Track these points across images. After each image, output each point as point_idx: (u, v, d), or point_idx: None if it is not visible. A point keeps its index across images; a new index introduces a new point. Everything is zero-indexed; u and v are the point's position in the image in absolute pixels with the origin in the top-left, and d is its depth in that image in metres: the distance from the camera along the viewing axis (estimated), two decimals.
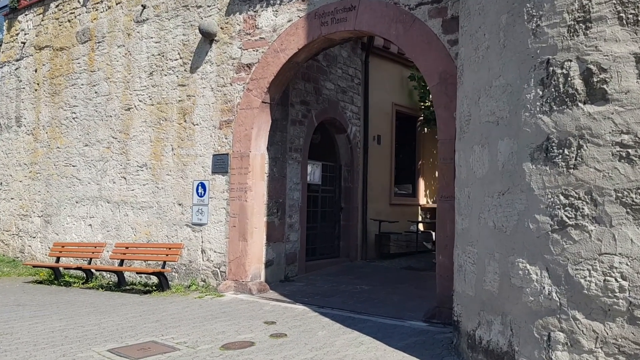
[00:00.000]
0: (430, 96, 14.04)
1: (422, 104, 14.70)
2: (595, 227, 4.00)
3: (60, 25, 12.67)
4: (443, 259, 7.11)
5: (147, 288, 10.04)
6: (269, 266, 9.77)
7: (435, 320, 7.08)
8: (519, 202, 4.56)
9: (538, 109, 4.42)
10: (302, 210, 10.70)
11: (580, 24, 4.17)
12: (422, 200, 14.95)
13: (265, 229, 9.66)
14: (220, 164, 9.67)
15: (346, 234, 12.31)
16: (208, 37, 9.89)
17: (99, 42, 11.77)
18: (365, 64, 12.84)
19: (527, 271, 4.44)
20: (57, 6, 12.80)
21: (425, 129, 14.90)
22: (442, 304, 7.08)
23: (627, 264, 3.84)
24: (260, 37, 9.29)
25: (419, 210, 14.89)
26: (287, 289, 9.49)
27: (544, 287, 4.29)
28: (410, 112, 14.62)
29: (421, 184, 14.95)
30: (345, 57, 12.19)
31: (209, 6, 10.03)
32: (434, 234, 14.33)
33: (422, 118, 14.88)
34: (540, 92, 4.41)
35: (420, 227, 14.35)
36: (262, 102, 9.24)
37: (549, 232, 4.27)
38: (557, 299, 4.19)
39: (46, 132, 12.68)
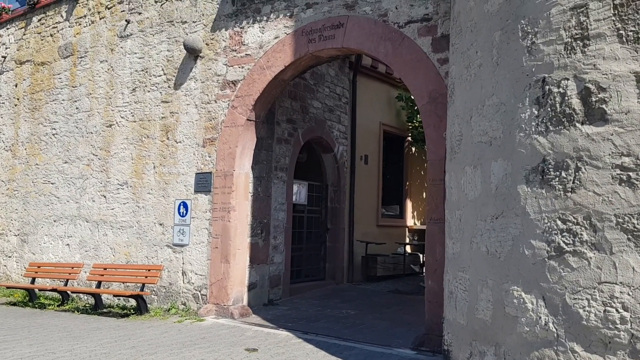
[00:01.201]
0: (419, 116, 13.97)
1: (409, 124, 14.56)
2: (594, 254, 3.79)
3: (42, 40, 12.40)
4: (432, 284, 6.86)
5: (125, 311, 9.65)
6: (252, 289, 9.45)
7: (424, 348, 6.80)
8: (513, 227, 4.34)
9: (533, 129, 4.23)
10: (287, 231, 10.42)
11: (578, 42, 4.00)
12: (410, 221, 14.73)
13: (249, 250, 9.36)
14: (203, 182, 9.40)
15: (332, 256, 12.04)
16: (193, 53, 9.68)
17: (81, 57, 11.51)
18: (353, 83, 12.69)
19: (522, 300, 4.21)
20: (39, 20, 12.54)
21: (413, 149, 14.74)
22: (431, 331, 6.82)
23: (628, 294, 3.63)
24: (246, 54, 9.09)
25: (407, 232, 14.66)
26: (270, 313, 9.17)
27: (540, 317, 4.06)
28: (398, 132, 14.47)
29: (409, 205, 14.74)
30: (332, 76, 12.04)
31: (194, 22, 9.84)
32: (421, 256, 14.12)
33: (409, 138, 14.73)
34: (536, 112, 4.23)
35: (408, 249, 14.10)
36: (247, 119, 9.01)
37: (546, 259, 4.05)
38: (554, 329, 3.96)
39: (25, 149, 12.34)
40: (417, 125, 14.42)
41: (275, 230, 10.09)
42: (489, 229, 4.61)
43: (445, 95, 6.90)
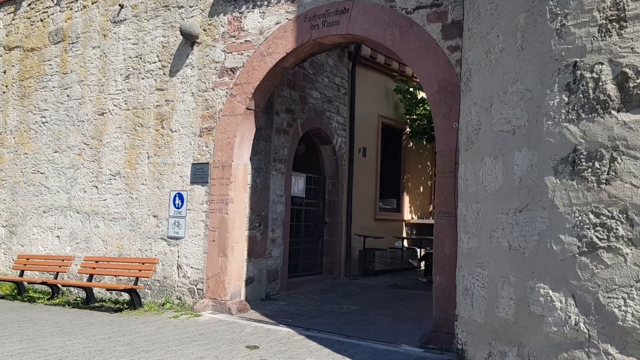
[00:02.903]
0: (418, 108, 13.72)
1: (408, 116, 14.30)
2: (631, 250, 3.55)
3: (32, 25, 11.97)
4: (440, 280, 6.62)
5: (118, 306, 9.34)
6: (250, 283, 9.17)
7: (432, 345, 6.57)
8: (540, 221, 4.09)
9: (563, 117, 3.98)
10: (285, 224, 10.14)
11: (614, 23, 3.75)
12: (407, 215, 14.50)
13: (247, 243, 9.08)
14: (200, 173, 9.08)
15: (330, 250, 11.78)
16: (189, 39, 9.34)
17: (72, 43, 11.11)
18: (352, 74, 12.41)
19: (549, 298, 3.97)
20: (29, 5, 12.11)
21: (411, 142, 14.50)
22: (439, 328, 6.58)
23: None
24: (245, 40, 8.77)
25: (404, 226, 14.43)
26: (269, 308, 8.90)
27: (569, 317, 3.82)
28: (396, 124, 14.21)
29: (406, 199, 14.51)
30: (332, 66, 11.74)
31: (191, 6, 9.48)
32: (419, 250, 13.91)
33: (408, 131, 14.48)
34: (566, 99, 3.97)
35: (405, 243, 13.87)
36: (247, 108, 8.70)
37: (576, 255, 3.80)
38: (585, 330, 3.72)
39: (14, 137, 11.92)
40: (415, 117, 14.19)
41: (273, 223, 9.81)
42: (511, 222, 4.37)
43: (456, 84, 6.65)
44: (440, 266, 6.63)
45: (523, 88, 4.35)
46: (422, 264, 13.25)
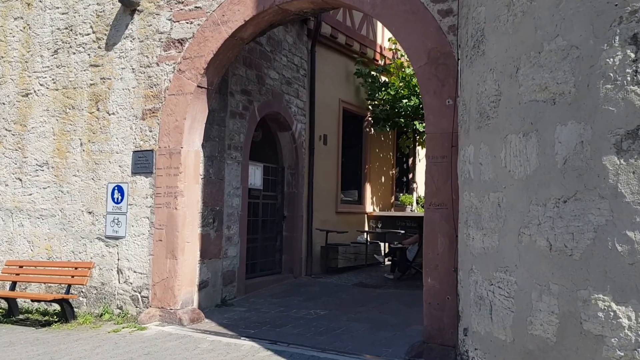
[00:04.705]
0: (380, 93, 12.78)
1: (369, 102, 13.37)
2: None
3: None
4: (432, 283, 5.69)
5: (47, 318, 7.97)
6: (203, 288, 8.00)
7: (423, 359, 5.64)
8: (596, 213, 3.17)
9: (629, 78, 3.06)
10: (242, 219, 9.00)
11: None
12: (369, 207, 13.59)
13: (199, 243, 7.90)
14: (143, 162, 7.82)
15: (289, 247, 10.70)
16: (129, 7, 8.02)
17: None
18: (311, 54, 11.33)
19: (612, 313, 3.06)
20: None
21: (373, 129, 13.57)
22: (431, 338, 5.66)
23: None
24: (195, 7, 7.54)
25: (366, 219, 13.51)
26: (226, 316, 7.76)
27: None
28: (357, 110, 13.24)
29: (367, 190, 13.57)
30: (290, 44, 10.63)
31: None
32: (382, 245, 13.04)
33: (369, 118, 13.54)
34: (632, 55, 3.06)
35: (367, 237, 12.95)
36: (198, 86, 7.50)
37: None
38: None
39: None
40: (377, 103, 13.27)
41: (229, 219, 8.65)
42: (551, 216, 3.43)
43: (449, 55, 5.71)
44: (432, 267, 5.69)
45: (566, 44, 3.41)
46: (387, 259, 12.37)
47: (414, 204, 14.57)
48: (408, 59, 13.02)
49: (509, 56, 3.91)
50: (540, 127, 3.57)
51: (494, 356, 3.97)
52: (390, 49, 13.87)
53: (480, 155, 4.26)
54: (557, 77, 3.46)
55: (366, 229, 13.31)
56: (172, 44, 7.72)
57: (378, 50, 13.67)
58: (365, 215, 13.49)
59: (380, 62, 13.70)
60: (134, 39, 8.06)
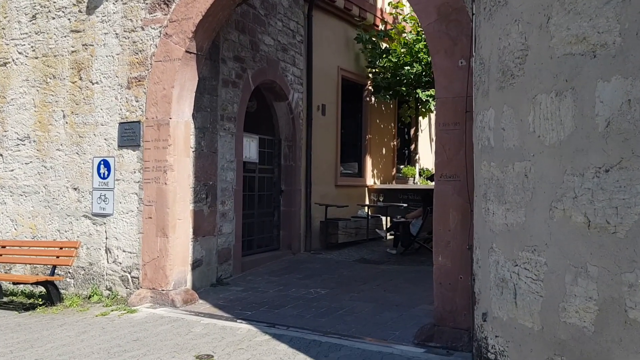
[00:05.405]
0: (381, 60, 12.18)
1: (370, 69, 12.79)
2: None
3: None
4: (444, 261, 5.24)
5: (32, 301, 7.56)
6: (197, 267, 7.57)
7: (434, 343, 5.23)
8: None
9: None
10: (237, 194, 8.52)
11: None
12: (370, 180, 13.11)
13: (192, 219, 7.44)
14: (130, 135, 7.32)
15: (287, 222, 10.25)
16: None
17: None
18: (308, 18, 10.72)
19: None
20: None
21: (373, 99, 13.02)
22: (443, 321, 5.24)
23: None
24: None
25: (366, 192, 13.05)
26: (221, 296, 7.35)
27: None
28: (357, 79, 12.66)
29: (368, 162, 13.07)
30: (286, 7, 10.01)
31: None
32: (384, 219, 12.61)
33: (370, 87, 12.98)
34: None
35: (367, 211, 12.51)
36: (186, 51, 6.95)
37: None
38: None
39: None
40: (378, 71, 12.69)
41: (223, 194, 8.17)
42: (590, 188, 2.96)
43: (461, 10, 5.17)
44: (444, 244, 5.24)
45: None
46: (389, 234, 11.94)
47: (417, 176, 14.09)
48: (413, 19, 12.56)
49: (537, 4, 3.38)
50: (577, 84, 3.07)
51: (518, 345, 3.53)
52: (391, 14, 13.25)
53: (502, 119, 3.76)
54: (599, 26, 2.95)
55: (367, 202, 12.87)
56: (157, 5, 7.14)
57: (378, 14, 13.03)
58: (366, 189, 13.03)
59: (380, 27, 13.07)
60: (116, 1, 7.47)
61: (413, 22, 13.01)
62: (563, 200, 3.14)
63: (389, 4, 13.26)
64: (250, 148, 9.32)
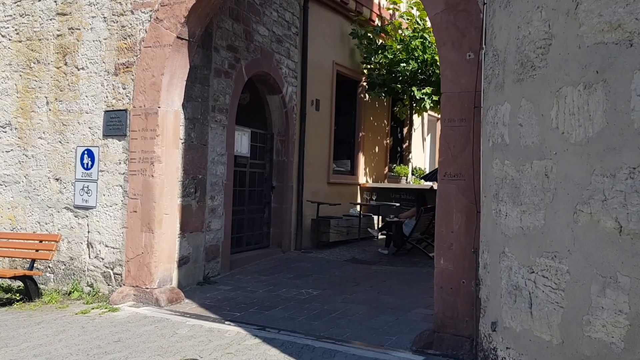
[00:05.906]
0: (377, 56, 11.88)
1: (365, 65, 12.50)
2: None
3: None
4: (446, 264, 4.97)
5: (10, 296, 7.19)
6: (183, 265, 7.24)
7: (433, 350, 4.96)
8: None
9: None
10: (227, 189, 8.20)
11: None
12: (362, 179, 12.83)
13: (179, 214, 7.11)
14: (116, 124, 6.97)
15: (278, 219, 9.94)
16: None
17: None
18: (304, 10, 10.41)
19: None
20: None
21: (368, 95, 12.74)
22: (443, 327, 4.97)
23: None
24: None
25: (358, 191, 12.77)
26: (208, 296, 7.03)
27: None
28: (352, 74, 12.37)
29: (361, 160, 12.79)
30: None
31: None
32: (376, 218, 12.34)
33: (364, 83, 12.69)
34: None
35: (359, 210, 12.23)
36: (178, 37, 6.61)
37: None
38: None
39: None
40: (373, 67, 12.41)
41: (212, 188, 7.84)
42: (623, 190, 2.70)
43: (471, 0, 4.88)
44: (446, 246, 4.97)
45: None
46: (381, 234, 11.68)
47: (410, 175, 13.84)
48: (410, 15, 12.29)
49: None
50: (610, 76, 2.80)
51: (534, 359, 3.26)
52: (388, 9, 12.97)
53: (520, 114, 3.49)
54: (637, 11, 2.68)
55: (359, 201, 12.59)
56: None
57: (375, 10, 12.75)
58: (358, 187, 12.75)
59: (377, 23, 12.79)
60: None
61: (410, 18, 12.76)
62: (590, 203, 2.87)
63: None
64: (242, 142, 9.00)
